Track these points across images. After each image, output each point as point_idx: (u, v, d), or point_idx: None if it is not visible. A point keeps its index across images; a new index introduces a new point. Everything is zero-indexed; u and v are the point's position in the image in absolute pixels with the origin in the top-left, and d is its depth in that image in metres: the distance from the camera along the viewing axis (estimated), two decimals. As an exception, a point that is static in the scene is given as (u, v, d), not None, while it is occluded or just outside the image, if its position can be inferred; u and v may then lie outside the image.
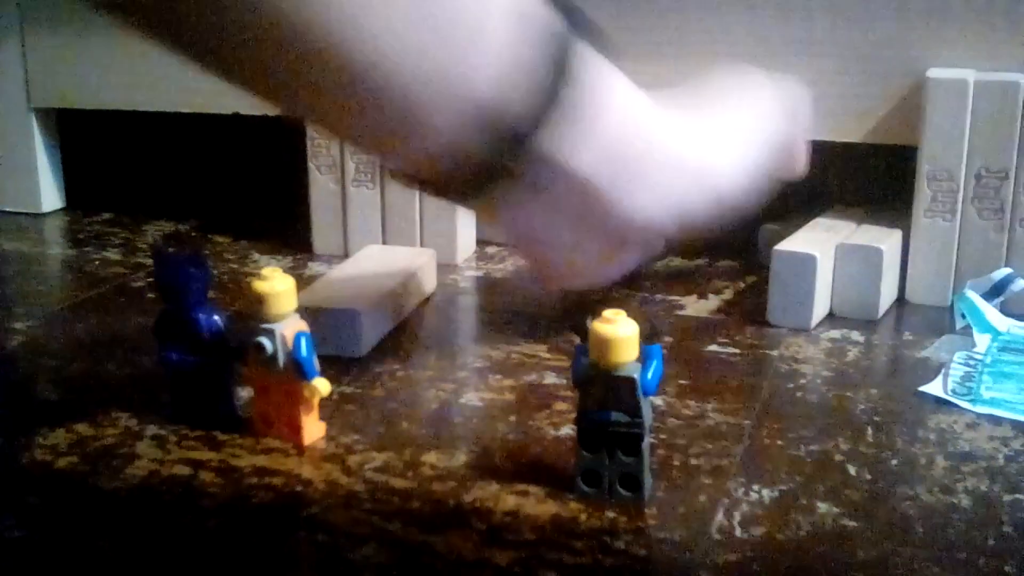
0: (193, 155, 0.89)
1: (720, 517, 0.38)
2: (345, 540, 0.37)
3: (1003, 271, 0.56)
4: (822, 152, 0.56)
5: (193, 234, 0.77)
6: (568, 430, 0.44)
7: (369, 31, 0.34)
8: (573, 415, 0.39)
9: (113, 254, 0.72)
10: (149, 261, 0.69)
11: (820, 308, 0.57)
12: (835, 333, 0.56)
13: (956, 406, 0.47)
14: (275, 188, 0.81)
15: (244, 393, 0.46)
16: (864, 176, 0.72)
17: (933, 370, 0.50)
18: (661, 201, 0.43)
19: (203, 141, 0.88)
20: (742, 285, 0.63)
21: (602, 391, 0.38)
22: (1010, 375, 0.49)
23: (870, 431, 0.44)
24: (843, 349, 0.53)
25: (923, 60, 0.60)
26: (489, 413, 0.46)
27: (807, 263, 0.55)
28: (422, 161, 0.40)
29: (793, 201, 0.62)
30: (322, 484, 0.40)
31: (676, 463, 0.42)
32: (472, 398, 0.48)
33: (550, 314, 0.59)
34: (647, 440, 0.38)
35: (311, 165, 0.70)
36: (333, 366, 0.46)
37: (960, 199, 0.58)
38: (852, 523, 0.37)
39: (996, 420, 0.45)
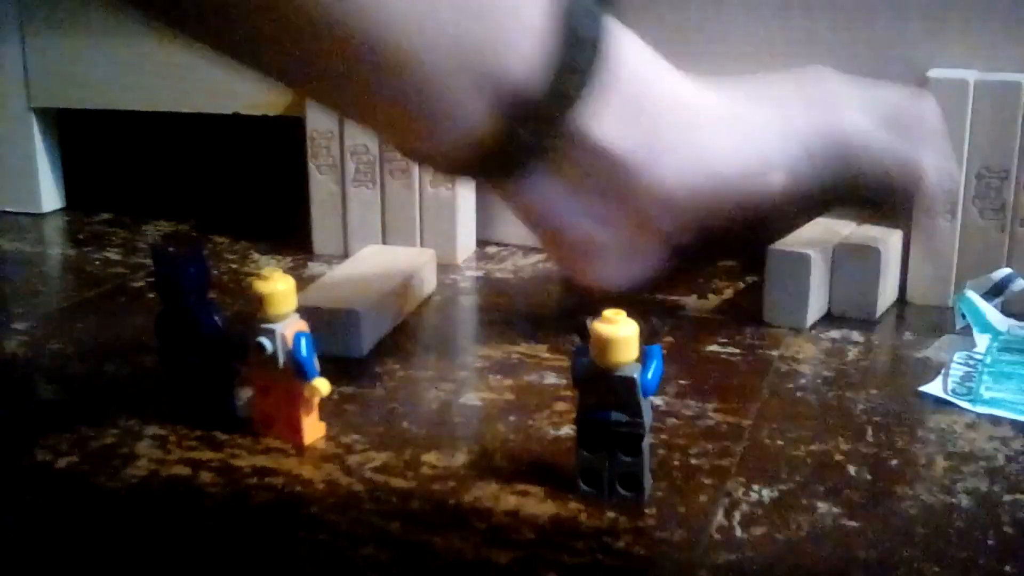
0: (193, 155, 0.89)
1: (720, 517, 0.38)
2: (345, 540, 0.37)
3: (1003, 271, 0.56)
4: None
5: (193, 234, 0.77)
6: (568, 430, 0.44)
7: (402, 10, 0.34)
8: (573, 415, 0.39)
9: (113, 254, 0.72)
10: (149, 261, 0.69)
11: (816, 307, 0.57)
12: (835, 333, 0.56)
13: (956, 406, 0.47)
14: (275, 188, 0.81)
15: (244, 393, 0.46)
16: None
17: (933, 370, 0.50)
18: (682, 175, 0.43)
19: (203, 141, 0.88)
20: (742, 285, 0.63)
21: (602, 391, 0.38)
22: (1010, 375, 0.49)
23: (870, 431, 0.44)
24: (843, 349, 0.53)
25: (923, 60, 0.60)
26: (489, 413, 0.46)
27: (802, 262, 0.55)
28: (454, 144, 0.40)
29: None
30: (322, 484, 0.40)
31: (676, 463, 0.42)
32: (472, 398, 0.48)
33: (550, 314, 0.59)
34: (647, 440, 0.38)
35: (311, 165, 0.70)
36: (333, 366, 0.46)
37: (961, 199, 0.58)
38: (852, 523, 0.37)
39: (996, 420, 0.45)
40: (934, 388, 0.48)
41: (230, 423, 0.45)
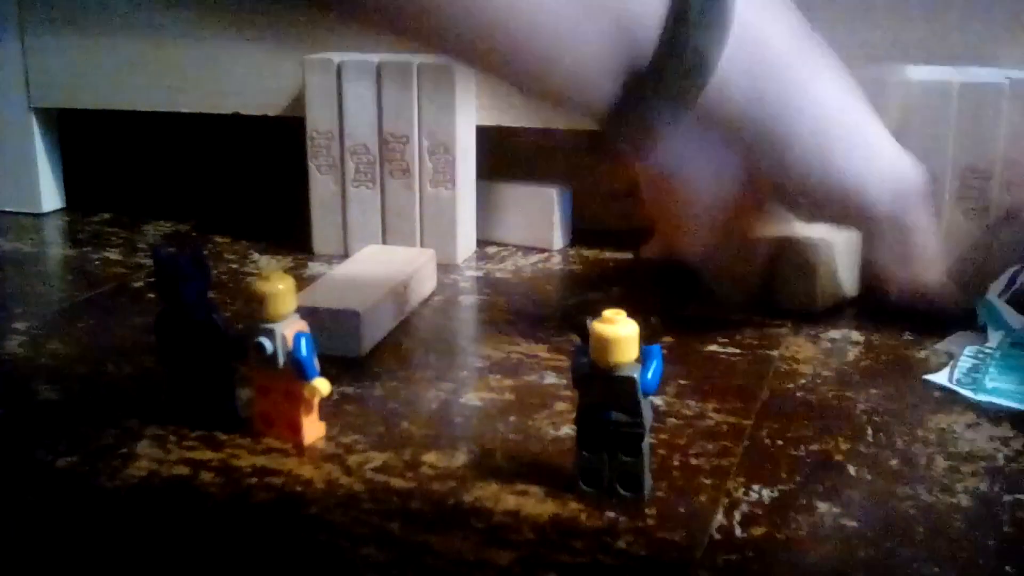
0: (193, 155, 0.89)
1: (720, 517, 0.38)
2: (345, 540, 0.37)
3: (1014, 267, 0.56)
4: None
5: (193, 234, 0.77)
6: (568, 430, 0.44)
7: None
8: (573, 415, 0.39)
9: (113, 254, 0.72)
10: (149, 261, 0.69)
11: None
12: (835, 333, 0.56)
13: (957, 405, 0.47)
14: (275, 188, 0.81)
15: (244, 393, 0.46)
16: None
17: (934, 369, 0.50)
18: (794, 150, 0.45)
19: (203, 141, 0.88)
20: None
21: (602, 391, 0.38)
22: (1017, 368, 0.49)
23: (870, 431, 0.44)
24: (843, 349, 0.53)
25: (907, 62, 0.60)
26: (489, 413, 0.47)
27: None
28: (581, 88, 0.43)
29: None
30: (322, 484, 0.40)
31: (676, 463, 0.42)
32: (472, 398, 0.48)
33: (550, 314, 0.59)
34: (647, 440, 0.38)
35: (311, 165, 0.70)
36: (333, 366, 0.46)
37: (945, 199, 0.58)
38: (852, 523, 0.37)
39: (996, 420, 0.45)
40: (940, 377, 0.49)
41: (230, 423, 0.45)
